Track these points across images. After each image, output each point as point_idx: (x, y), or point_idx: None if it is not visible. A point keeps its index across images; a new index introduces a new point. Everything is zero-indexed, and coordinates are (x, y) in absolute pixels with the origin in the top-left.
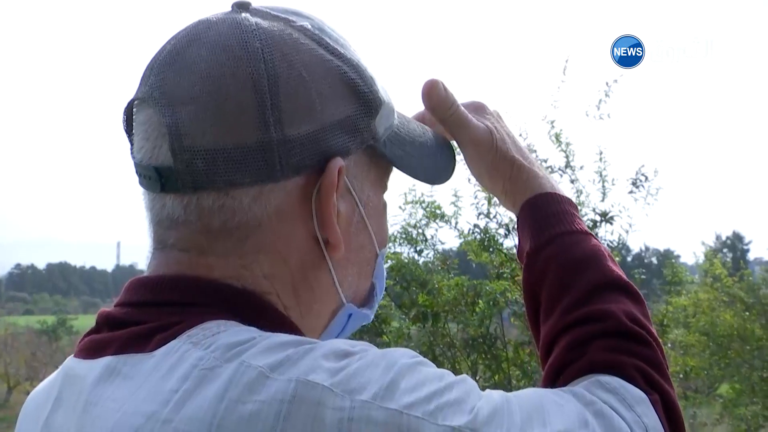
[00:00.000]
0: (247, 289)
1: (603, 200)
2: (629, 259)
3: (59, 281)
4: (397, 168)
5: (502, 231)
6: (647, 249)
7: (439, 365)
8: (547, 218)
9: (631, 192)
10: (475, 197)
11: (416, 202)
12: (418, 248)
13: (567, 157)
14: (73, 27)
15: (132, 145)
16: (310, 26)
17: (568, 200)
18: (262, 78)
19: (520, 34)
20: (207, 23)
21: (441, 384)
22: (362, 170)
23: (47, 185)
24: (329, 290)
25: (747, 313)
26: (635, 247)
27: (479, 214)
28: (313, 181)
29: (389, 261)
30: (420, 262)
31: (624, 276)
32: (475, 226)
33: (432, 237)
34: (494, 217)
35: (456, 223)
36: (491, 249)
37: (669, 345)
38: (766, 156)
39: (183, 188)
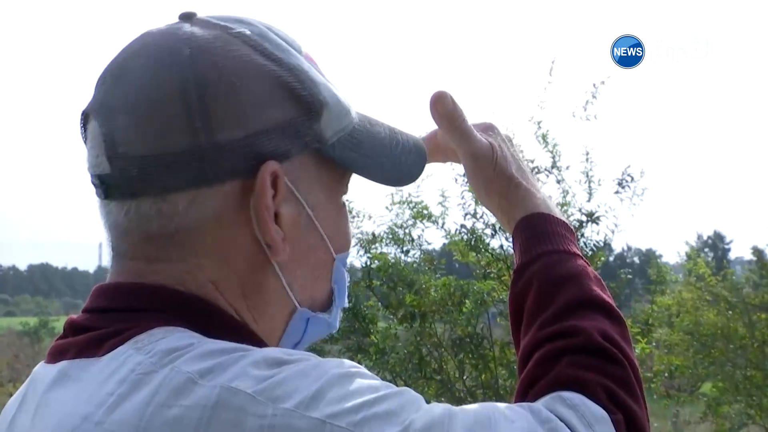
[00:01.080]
0: (194, 295)
1: (589, 200)
2: (611, 258)
3: (41, 282)
4: (350, 170)
5: (488, 231)
6: (629, 249)
7: (426, 365)
8: (536, 237)
9: (617, 192)
10: (462, 197)
11: (403, 203)
12: (404, 248)
13: (554, 157)
14: (54, 28)
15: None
16: (249, 32)
17: (563, 223)
18: (190, 85)
19: (508, 34)
20: (150, 34)
21: (373, 395)
22: (309, 173)
23: (28, 185)
24: (280, 293)
25: (730, 312)
26: (617, 246)
27: (466, 214)
28: (250, 185)
29: (376, 261)
30: (406, 262)
31: (607, 297)
32: (462, 226)
33: (419, 237)
34: (481, 217)
35: (443, 223)
36: (479, 249)
37: (654, 344)
38: (746, 156)
39: (122, 195)
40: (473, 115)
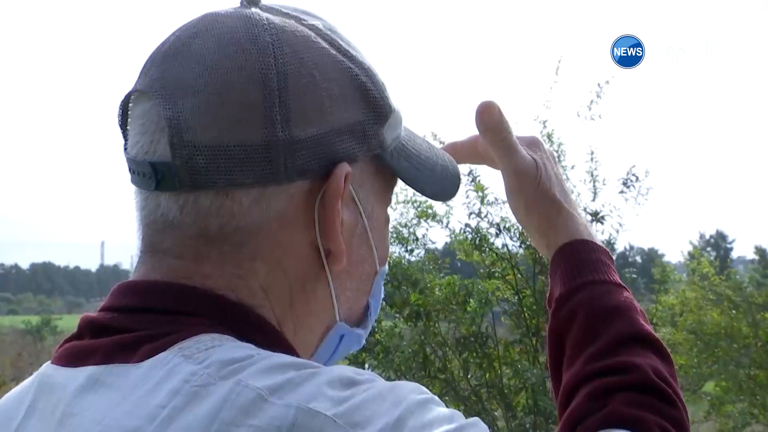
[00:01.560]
0: (241, 302)
1: (594, 200)
2: (614, 257)
3: (43, 281)
4: (403, 180)
5: (493, 230)
6: (632, 248)
7: (431, 364)
8: (580, 265)
9: (621, 192)
10: (467, 197)
11: (407, 202)
12: (408, 248)
13: (559, 156)
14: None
15: (126, 140)
16: (321, 26)
17: (604, 250)
18: (272, 74)
19: (513, 33)
20: (214, 16)
21: (452, 425)
22: (368, 180)
23: (30, 184)
24: (325, 305)
25: (734, 312)
26: (620, 246)
27: (470, 213)
28: (317, 186)
29: None
30: (411, 261)
31: (653, 332)
32: (467, 225)
33: (423, 236)
34: (485, 216)
35: (447, 222)
36: (483, 248)
37: None
38: (748, 155)
39: (180, 186)
40: (516, 128)
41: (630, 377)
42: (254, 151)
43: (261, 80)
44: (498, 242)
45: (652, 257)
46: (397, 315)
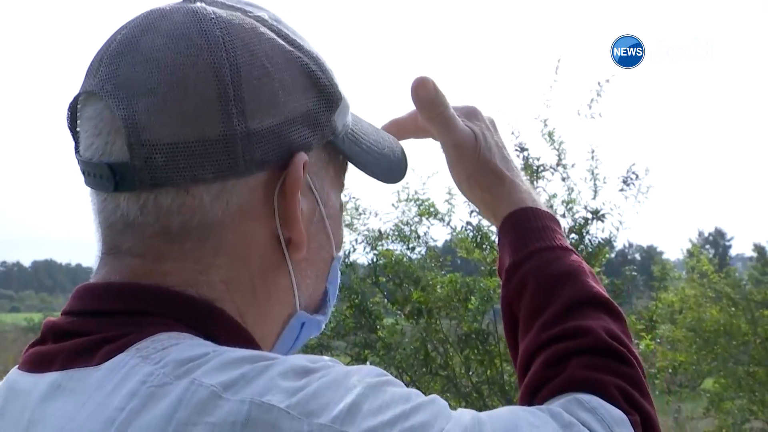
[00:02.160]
0: (201, 298)
1: (594, 198)
2: (613, 255)
3: (45, 278)
4: (355, 165)
5: (494, 228)
6: (631, 245)
7: (432, 360)
8: (527, 233)
9: (621, 190)
10: None
11: (410, 200)
12: (410, 245)
13: (559, 155)
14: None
15: (77, 142)
16: (267, 17)
17: (550, 215)
18: (225, 68)
19: (514, 32)
20: (159, 12)
21: (407, 406)
22: (323, 167)
23: (32, 182)
24: (287, 294)
25: (733, 309)
26: (619, 243)
27: (472, 211)
28: (276, 177)
29: (382, 258)
30: (412, 258)
31: (604, 292)
32: (468, 223)
33: (424, 234)
34: None
35: (449, 220)
36: (484, 246)
37: (657, 341)
38: (746, 153)
39: (140, 186)
40: (458, 100)
41: (584, 341)
42: (213, 146)
43: (215, 75)
44: None
45: (651, 255)
46: (399, 312)
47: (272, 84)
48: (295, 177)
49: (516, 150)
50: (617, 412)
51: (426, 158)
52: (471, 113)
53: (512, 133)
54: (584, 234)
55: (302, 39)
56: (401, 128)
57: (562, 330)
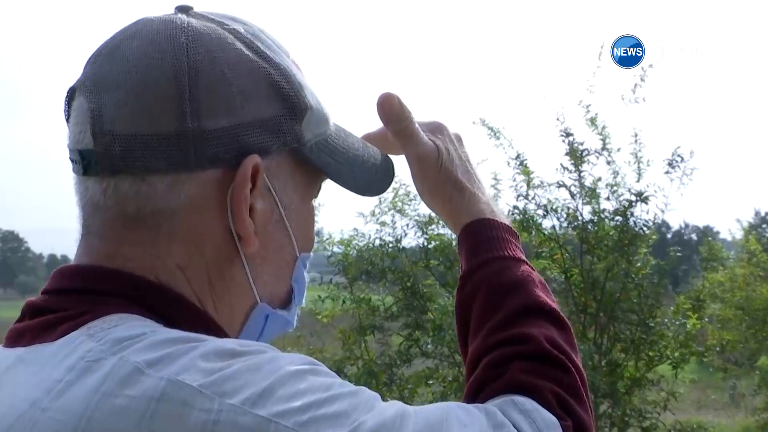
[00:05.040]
0: (160, 282)
1: (638, 181)
2: (669, 236)
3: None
4: (325, 175)
5: (540, 212)
6: (687, 226)
7: None
8: (481, 243)
9: (667, 172)
10: (514, 180)
11: None
12: None
13: (603, 140)
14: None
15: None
16: (243, 30)
17: (507, 227)
18: (183, 70)
19: (559, 19)
20: (145, 21)
21: (324, 395)
22: (285, 172)
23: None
24: (243, 286)
25: None
26: (675, 224)
27: (518, 196)
28: (230, 175)
29: (433, 242)
30: None
31: (552, 303)
32: (515, 207)
33: None
34: (533, 198)
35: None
36: (531, 229)
37: (706, 319)
38: None
39: (102, 171)
40: (432, 114)
41: (525, 347)
42: (166, 140)
43: (174, 76)
44: (546, 223)
45: (707, 234)
46: (449, 294)
47: (229, 89)
48: (243, 176)
49: (561, 135)
50: (550, 417)
51: (476, 146)
52: (436, 128)
53: (557, 119)
54: (628, 216)
55: (277, 53)
56: (371, 142)
57: (506, 336)
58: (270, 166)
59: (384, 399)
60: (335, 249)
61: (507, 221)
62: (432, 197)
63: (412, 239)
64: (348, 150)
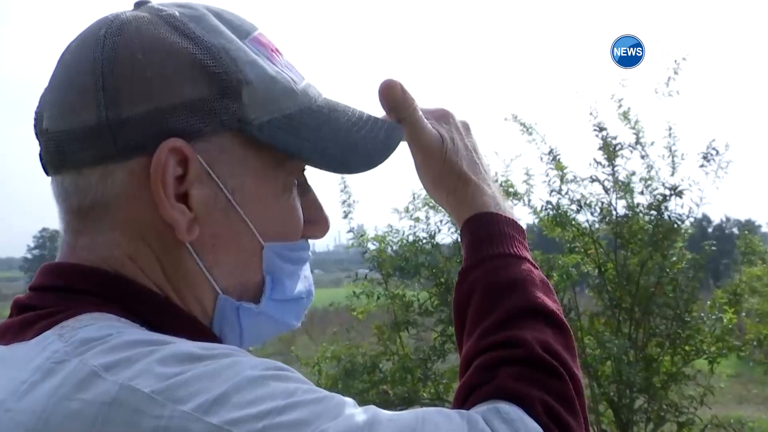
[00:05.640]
0: (118, 273)
1: (672, 175)
2: (710, 230)
3: None
4: (283, 153)
5: (574, 207)
6: (728, 220)
7: None
8: (482, 239)
9: (702, 166)
10: (547, 175)
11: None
12: None
13: (637, 134)
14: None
15: None
16: (178, 14)
17: (511, 221)
18: (98, 62)
19: (591, 15)
20: (96, 21)
21: (284, 401)
22: (232, 155)
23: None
24: (197, 276)
25: None
26: (716, 218)
27: (551, 191)
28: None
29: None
30: None
31: (551, 304)
32: (548, 202)
33: None
34: (566, 193)
35: (529, 200)
36: (565, 224)
37: (744, 314)
38: None
39: (50, 170)
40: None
41: (516, 351)
42: (89, 133)
43: (90, 69)
44: (580, 218)
45: (747, 228)
46: None
47: (144, 73)
48: (157, 161)
49: (594, 130)
50: (534, 426)
51: (508, 142)
52: (442, 116)
53: (590, 114)
54: (663, 210)
55: (212, 32)
56: None
57: (497, 339)
58: (209, 150)
59: (419, 394)
60: (370, 245)
61: (513, 215)
62: (435, 189)
63: (445, 235)
64: (323, 125)
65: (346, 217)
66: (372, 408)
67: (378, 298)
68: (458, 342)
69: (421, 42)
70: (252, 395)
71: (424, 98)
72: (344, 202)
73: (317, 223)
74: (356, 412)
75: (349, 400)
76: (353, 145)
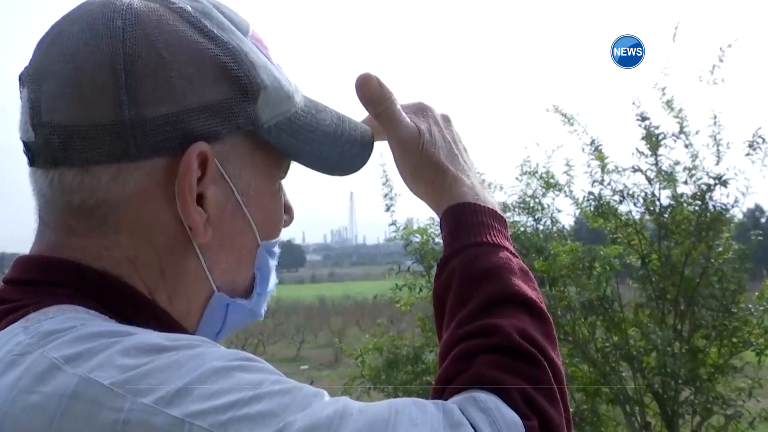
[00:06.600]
0: (106, 272)
1: (717, 164)
2: (763, 220)
3: None
4: (286, 155)
5: (616, 197)
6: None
7: (559, 328)
8: (460, 228)
9: (747, 155)
10: (588, 165)
11: (531, 173)
12: (536, 217)
13: (680, 123)
14: None
15: None
16: (190, 8)
17: (490, 211)
18: (119, 57)
19: (630, 3)
20: (87, 4)
21: (250, 393)
22: (242, 156)
23: None
24: (198, 276)
25: None
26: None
27: (593, 181)
28: (176, 163)
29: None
30: (537, 229)
31: (530, 292)
32: (590, 193)
33: (548, 206)
34: (608, 184)
35: (570, 191)
36: (606, 215)
37: None
38: None
39: (45, 164)
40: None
41: (493, 339)
42: (105, 131)
43: (109, 63)
44: (622, 208)
45: None
46: None
47: (169, 73)
48: (186, 165)
49: (637, 119)
50: (512, 416)
51: (550, 133)
52: (419, 110)
53: (633, 103)
54: (707, 200)
55: (229, 31)
56: None
57: (475, 327)
58: (223, 151)
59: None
60: (413, 238)
61: (493, 205)
62: (414, 181)
63: None
64: (316, 128)
65: (388, 210)
66: (343, 399)
67: (420, 290)
68: (438, 331)
69: (462, 34)
70: (216, 386)
71: (464, 92)
72: (386, 195)
73: (287, 212)
74: (326, 404)
75: (320, 390)
76: (340, 148)
